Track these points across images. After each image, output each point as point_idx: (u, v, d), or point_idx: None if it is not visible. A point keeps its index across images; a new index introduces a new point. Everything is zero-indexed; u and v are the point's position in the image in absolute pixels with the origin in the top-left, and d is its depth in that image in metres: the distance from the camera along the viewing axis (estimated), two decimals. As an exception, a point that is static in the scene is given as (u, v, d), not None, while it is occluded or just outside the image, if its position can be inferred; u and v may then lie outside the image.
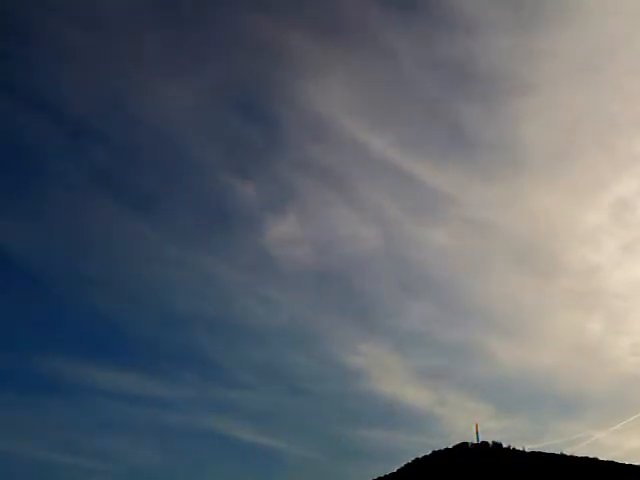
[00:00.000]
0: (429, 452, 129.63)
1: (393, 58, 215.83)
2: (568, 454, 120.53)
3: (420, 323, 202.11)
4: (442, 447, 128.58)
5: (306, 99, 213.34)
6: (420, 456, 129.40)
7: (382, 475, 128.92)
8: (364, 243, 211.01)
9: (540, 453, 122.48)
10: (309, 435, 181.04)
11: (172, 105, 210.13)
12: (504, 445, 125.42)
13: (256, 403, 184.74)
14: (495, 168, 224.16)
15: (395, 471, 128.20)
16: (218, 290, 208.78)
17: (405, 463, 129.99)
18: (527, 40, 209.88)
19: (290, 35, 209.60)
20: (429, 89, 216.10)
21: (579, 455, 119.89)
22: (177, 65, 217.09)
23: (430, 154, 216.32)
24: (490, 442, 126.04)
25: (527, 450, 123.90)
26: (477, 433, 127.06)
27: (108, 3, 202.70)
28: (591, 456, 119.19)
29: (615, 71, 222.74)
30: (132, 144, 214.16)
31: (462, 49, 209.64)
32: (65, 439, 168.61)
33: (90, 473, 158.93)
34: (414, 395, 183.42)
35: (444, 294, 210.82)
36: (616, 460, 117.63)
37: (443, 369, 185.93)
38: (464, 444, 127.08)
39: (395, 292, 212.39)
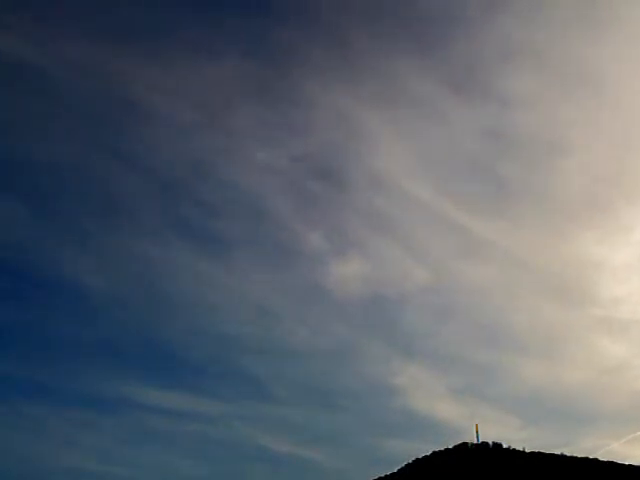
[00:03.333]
0: (429, 452, 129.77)
1: (446, 125, 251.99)
2: (568, 454, 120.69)
3: (456, 346, 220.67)
4: (442, 447, 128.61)
5: (370, 160, 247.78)
6: (420, 456, 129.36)
7: (382, 475, 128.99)
8: (413, 279, 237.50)
9: (540, 453, 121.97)
10: (345, 447, 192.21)
11: (255, 167, 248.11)
12: (504, 445, 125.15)
13: (296, 418, 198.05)
14: (533, 216, 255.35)
15: (395, 471, 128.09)
16: (270, 318, 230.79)
17: (405, 463, 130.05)
18: (565, 110, 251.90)
19: (361, 108, 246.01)
20: (476, 150, 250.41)
21: (579, 455, 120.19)
22: (263, 134, 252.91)
23: (475, 205, 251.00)
24: (490, 442, 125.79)
25: (527, 450, 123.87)
26: (477, 433, 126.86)
27: (207, 82, 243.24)
28: (591, 456, 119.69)
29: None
30: (217, 200, 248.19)
31: (507, 118, 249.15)
32: (115, 452, 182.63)
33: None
34: (447, 410, 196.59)
35: (480, 321, 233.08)
36: (616, 460, 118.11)
37: (475, 387, 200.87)
38: (464, 444, 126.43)
39: (436, 320, 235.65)
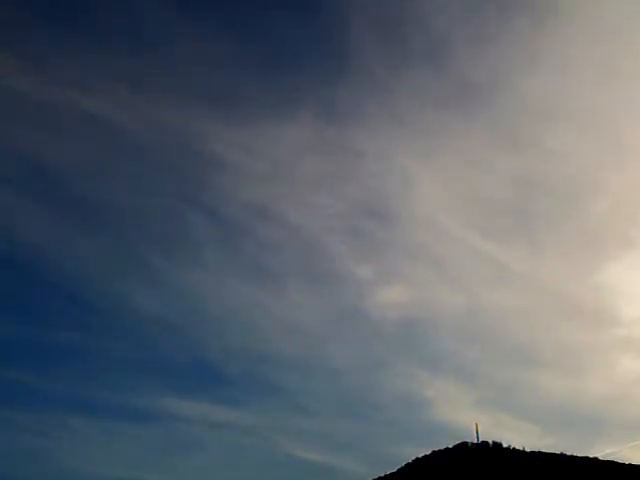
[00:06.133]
0: (429, 452, 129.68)
1: (485, 172, 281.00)
2: (568, 454, 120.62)
3: (483, 364, 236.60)
4: (442, 447, 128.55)
5: (414, 202, 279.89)
6: (420, 456, 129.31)
7: (382, 475, 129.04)
8: (447, 305, 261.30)
9: (540, 453, 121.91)
10: (374, 455, 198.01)
11: (313, 210, 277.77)
12: (504, 445, 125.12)
13: (328, 429, 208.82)
14: (561, 250, 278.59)
15: (395, 471, 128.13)
16: (310, 338, 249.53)
17: (405, 463, 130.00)
18: (593, 158, 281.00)
19: (408, 158, 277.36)
20: (511, 194, 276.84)
21: (579, 455, 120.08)
22: (321, 182, 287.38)
23: (509, 240, 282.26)
24: (490, 442, 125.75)
25: (527, 450, 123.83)
26: (477, 433, 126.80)
27: (275, 138, 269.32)
28: (591, 456, 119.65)
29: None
30: (274, 238, 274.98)
31: (541, 166, 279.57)
32: (152, 461, 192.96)
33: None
34: (472, 420, 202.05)
35: (507, 342, 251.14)
36: (616, 460, 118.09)
37: (500, 400, 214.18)
38: (464, 444, 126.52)
39: (466, 340, 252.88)
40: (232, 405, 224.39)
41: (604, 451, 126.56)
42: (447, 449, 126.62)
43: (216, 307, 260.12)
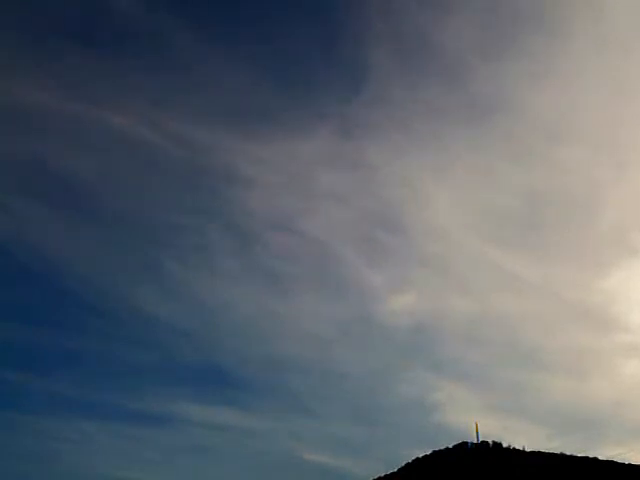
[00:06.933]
0: (429, 452, 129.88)
1: (492, 184, 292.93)
2: (568, 454, 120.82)
3: (491, 368, 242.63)
4: (442, 447, 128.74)
5: (425, 212, 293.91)
6: (420, 456, 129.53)
7: (382, 475, 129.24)
8: (456, 311, 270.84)
9: (540, 453, 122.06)
10: (382, 458, 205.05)
11: (327, 220, 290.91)
12: (504, 445, 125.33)
13: (336, 432, 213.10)
14: (568, 258, 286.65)
15: (395, 471, 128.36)
16: (319, 343, 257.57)
17: (405, 463, 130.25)
18: (598, 171, 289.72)
19: (419, 171, 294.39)
20: (518, 204, 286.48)
21: (579, 455, 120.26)
22: (336, 194, 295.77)
23: (516, 248, 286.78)
24: (490, 442, 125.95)
25: (527, 450, 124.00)
26: (477, 433, 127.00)
27: (292, 154, 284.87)
28: (591, 456, 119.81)
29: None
30: (288, 246, 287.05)
31: (547, 179, 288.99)
32: (161, 463, 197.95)
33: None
34: (481, 423, 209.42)
35: (515, 346, 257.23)
36: (616, 460, 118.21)
37: (507, 402, 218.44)
38: (464, 443, 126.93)
39: (474, 345, 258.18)
40: (243, 408, 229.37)
41: (610, 453, 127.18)
42: (447, 449, 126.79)
43: (229, 313, 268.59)
